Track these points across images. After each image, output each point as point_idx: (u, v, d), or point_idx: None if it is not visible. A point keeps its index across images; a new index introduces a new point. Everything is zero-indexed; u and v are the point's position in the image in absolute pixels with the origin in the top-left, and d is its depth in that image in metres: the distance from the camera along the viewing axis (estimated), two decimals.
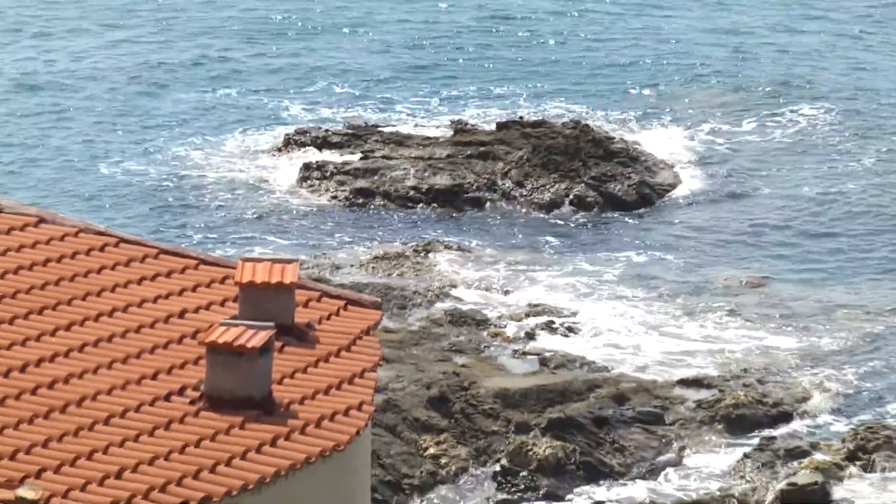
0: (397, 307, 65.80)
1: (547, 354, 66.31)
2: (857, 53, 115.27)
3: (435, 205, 78.32)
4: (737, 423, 61.61)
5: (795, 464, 59.95)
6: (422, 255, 72.65)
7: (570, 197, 79.27)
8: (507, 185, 79.26)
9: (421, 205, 77.60)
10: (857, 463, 59.92)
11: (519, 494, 59.43)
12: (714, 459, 60.56)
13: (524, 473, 59.68)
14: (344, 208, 77.80)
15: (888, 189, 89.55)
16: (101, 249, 34.63)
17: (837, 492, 59.00)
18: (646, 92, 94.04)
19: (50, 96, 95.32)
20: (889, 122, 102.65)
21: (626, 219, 78.81)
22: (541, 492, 59.16)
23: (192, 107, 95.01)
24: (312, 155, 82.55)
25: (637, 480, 60.15)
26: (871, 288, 74.80)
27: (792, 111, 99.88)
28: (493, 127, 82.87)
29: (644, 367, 66.43)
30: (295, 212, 77.57)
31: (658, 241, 76.84)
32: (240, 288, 31.75)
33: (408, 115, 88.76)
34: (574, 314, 69.84)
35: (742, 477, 60.23)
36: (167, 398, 29.90)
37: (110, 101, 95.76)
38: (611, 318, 69.49)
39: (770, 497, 58.80)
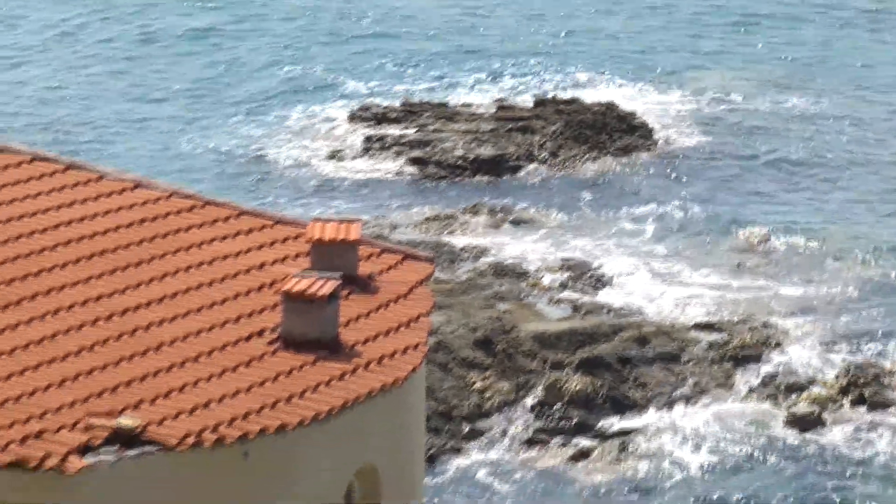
0: (448, 261, 65.74)
1: (578, 302, 65.94)
2: (863, 43, 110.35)
3: (480, 172, 77.21)
4: (743, 362, 61.52)
5: (794, 396, 60.35)
6: (469, 215, 72.49)
7: (597, 165, 78.11)
8: (543, 154, 77.86)
9: (468, 172, 76.74)
10: (850, 396, 60.30)
11: (553, 424, 59.28)
12: (723, 394, 60.12)
13: (558, 406, 59.56)
14: (401, 175, 77.27)
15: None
16: (190, 210, 34.02)
17: (832, 421, 59.20)
18: (664, 73, 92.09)
19: (140, 77, 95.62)
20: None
21: (646, 182, 77.82)
22: (572, 422, 59.20)
23: (266, 85, 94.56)
24: (373, 129, 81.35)
25: (656, 412, 60.08)
26: (869, 236, 74.44)
27: (799, 88, 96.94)
28: (530, 104, 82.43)
29: (663, 312, 65.81)
30: (359, 179, 76.86)
31: (674, 201, 75.86)
32: (311, 244, 31.66)
33: (456, 93, 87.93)
34: (601, 266, 68.97)
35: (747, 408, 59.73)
36: (248, 339, 29.70)
37: (192, 81, 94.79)
38: (633, 268, 69.15)
39: (774, 425, 58.28)
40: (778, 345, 62.59)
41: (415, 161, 76.44)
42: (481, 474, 56.72)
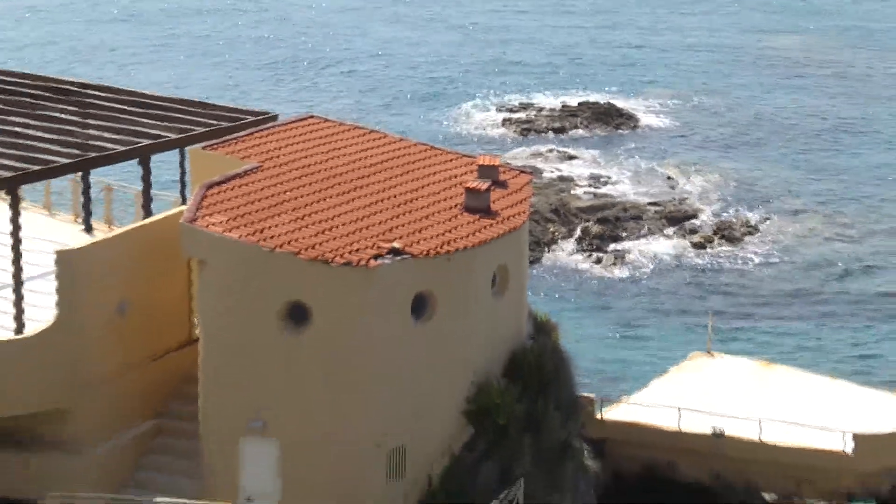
0: (538, 174, 66.38)
1: (598, 192, 66.35)
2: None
3: (552, 133, 77.35)
4: (672, 221, 63.44)
5: (695, 236, 61.81)
6: (547, 154, 72.69)
7: (608, 132, 77.70)
8: (581, 128, 77.73)
9: (549, 134, 77.50)
10: (718, 235, 61.45)
11: (585, 246, 60.76)
12: (662, 234, 61.79)
13: (587, 238, 60.77)
14: (520, 136, 77.92)
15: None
16: (424, 152, 34.04)
17: (711, 246, 61.04)
18: (657, 87, 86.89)
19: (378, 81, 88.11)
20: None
21: (633, 140, 75.46)
22: (594, 245, 60.23)
23: (434, 90, 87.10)
24: (506, 114, 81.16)
25: (631, 243, 61.14)
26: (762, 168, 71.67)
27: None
28: (575, 104, 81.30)
29: (634, 197, 66.27)
30: (499, 137, 77.86)
31: (645, 148, 74.84)
32: (478, 167, 32.56)
33: (542, 96, 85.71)
34: (609, 176, 69.24)
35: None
36: (451, 210, 30.47)
37: (407, 78, 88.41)
38: (623, 177, 69.22)
39: (685, 248, 60.80)
40: (687, 213, 65.49)
41: (524, 130, 79.85)
42: (553, 268, 58.52)
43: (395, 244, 27.86)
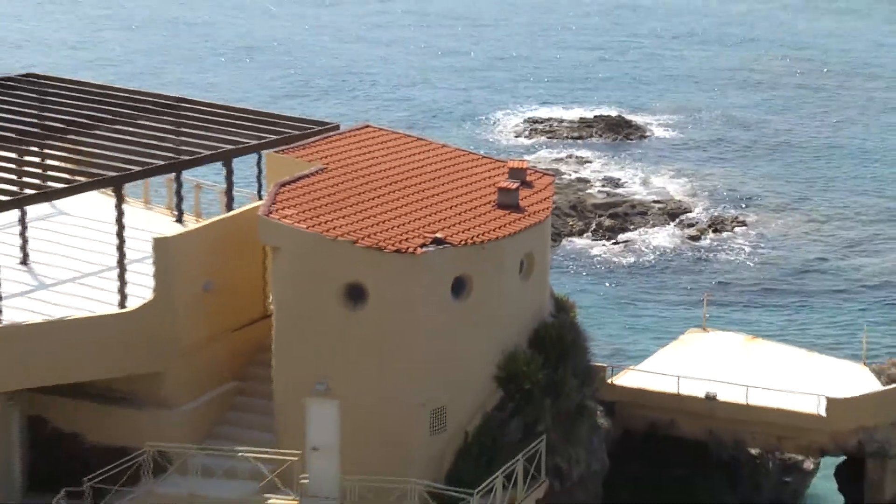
0: (559, 175, 65.92)
1: (610, 192, 65.03)
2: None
3: (571, 139, 75.73)
4: (671, 216, 62.68)
5: (692, 229, 60.77)
6: (567, 158, 71.24)
7: (619, 140, 75.34)
8: (597, 136, 76.01)
9: (567, 141, 75.75)
10: (711, 229, 60.82)
11: (599, 235, 59.55)
12: (663, 228, 60.59)
13: (601, 230, 59.96)
14: (538, 139, 76.55)
15: None
16: (462, 157, 33.75)
17: (705, 238, 60.02)
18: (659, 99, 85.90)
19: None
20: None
21: (640, 147, 73.93)
22: (606, 236, 59.26)
23: (472, 102, 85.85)
24: (531, 126, 78.47)
25: (638, 235, 59.67)
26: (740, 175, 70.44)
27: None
28: (591, 116, 79.53)
29: (641, 196, 64.98)
30: (526, 144, 75.48)
31: (651, 154, 72.46)
32: (509, 169, 32.18)
33: (561, 109, 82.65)
34: (618, 177, 67.54)
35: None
36: (484, 206, 30.24)
37: (448, 92, 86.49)
38: (634, 179, 67.54)
39: (682, 240, 59.90)
40: (686, 210, 64.49)
41: (548, 138, 77.95)
42: (571, 255, 57.63)
43: (438, 234, 27.65)
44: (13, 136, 33.04)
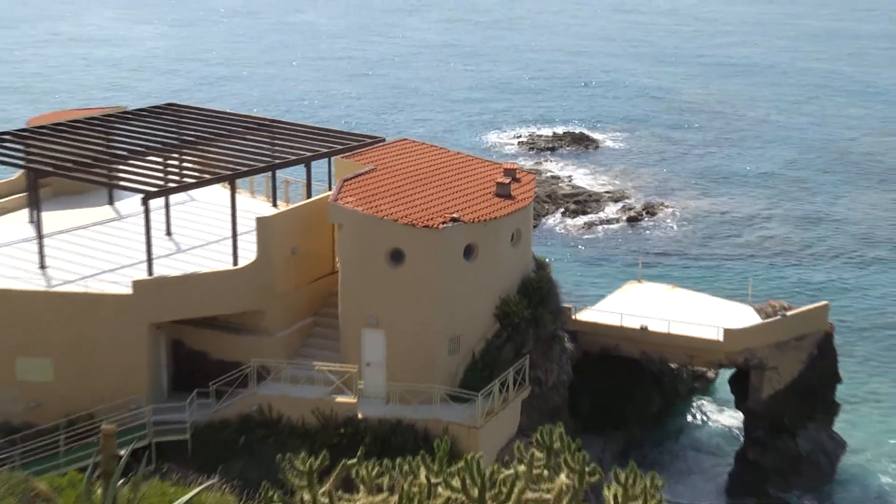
0: (540, 176, 62.87)
1: (579, 191, 61.37)
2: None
3: (549, 151, 70.94)
4: (619, 201, 59.95)
5: (632, 212, 57.80)
6: (545, 163, 67.99)
7: (580, 149, 71.06)
8: (565, 146, 72.05)
9: (547, 152, 70.83)
10: (646, 211, 57.99)
11: (585, 219, 56.50)
12: (609, 211, 58.37)
13: (580, 213, 58.17)
14: (528, 148, 72.29)
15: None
16: (468, 161, 33.11)
17: (642, 219, 57.54)
18: (617, 122, 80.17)
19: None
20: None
21: (595, 155, 70.30)
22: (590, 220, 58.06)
23: (487, 115, 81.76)
24: (523, 138, 74.44)
25: (611, 211, 58.36)
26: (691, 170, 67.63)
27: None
28: (561, 132, 75.40)
29: (601, 187, 62.79)
30: (515, 152, 71.52)
31: (603, 160, 69.10)
32: (503, 170, 32.12)
33: (540, 128, 78.35)
34: (580, 178, 63.76)
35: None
36: (485, 196, 29.89)
37: (460, 113, 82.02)
38: (595, 180, 63.89)
39: (624, 218, 57.46)
40: (627, 198, 61.85)
41: (530, 147, 73.65)
42: (547, 230, 55.57)
43: (455, 215, 27.56)
44: (160, 146, 33.72)
